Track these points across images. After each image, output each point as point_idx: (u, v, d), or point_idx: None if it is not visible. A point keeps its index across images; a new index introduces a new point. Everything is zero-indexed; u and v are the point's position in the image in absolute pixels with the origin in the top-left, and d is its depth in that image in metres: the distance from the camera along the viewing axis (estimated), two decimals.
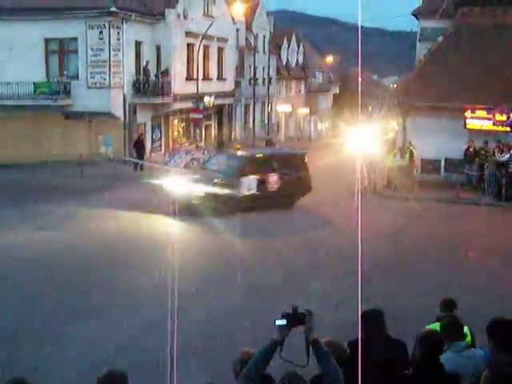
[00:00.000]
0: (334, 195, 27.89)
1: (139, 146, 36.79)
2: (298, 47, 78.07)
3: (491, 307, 12.42)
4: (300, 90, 79.24)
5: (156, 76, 39.51)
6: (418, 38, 42.52)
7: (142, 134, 37.93)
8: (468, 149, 30.40)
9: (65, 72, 37.06)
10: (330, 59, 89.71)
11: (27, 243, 18.81)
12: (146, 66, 39.08)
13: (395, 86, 73.10)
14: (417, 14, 41.69)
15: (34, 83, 35.55)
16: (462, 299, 7.61)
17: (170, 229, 21.22)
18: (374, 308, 6.95)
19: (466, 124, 30.35)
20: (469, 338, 6.92)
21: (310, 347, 5.00)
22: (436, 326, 6.93)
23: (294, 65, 76.30)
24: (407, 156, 29.61)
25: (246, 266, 15.19)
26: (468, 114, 30.16)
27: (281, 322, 4.98)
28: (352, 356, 6.14)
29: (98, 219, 22.82)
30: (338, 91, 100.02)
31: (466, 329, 6.92)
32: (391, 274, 16.51)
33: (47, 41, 37.27)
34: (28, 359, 10.79)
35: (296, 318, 5.01)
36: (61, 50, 37.81)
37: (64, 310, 13.29)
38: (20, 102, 35.38)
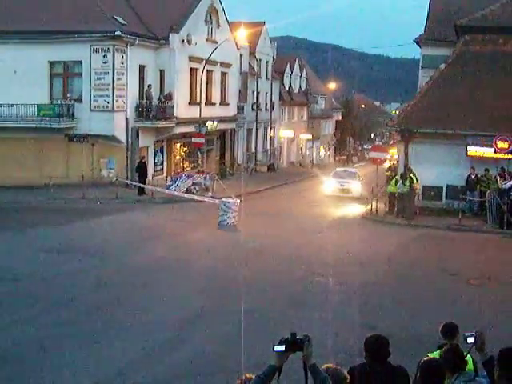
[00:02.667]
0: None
1: (141, 169, 36.79)
2: (301, 73, 78.42)
3: (493, 336, 12.36)
4: (302, 116, 79.48)
5: (159, 100, 39.65)
6: (420, 64, 42.67)
7: (143, 157, 37.98)
8: (469, 176, 30.42)
9: (68, 95, 37.17)
10: (332, 85, 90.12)
11: (27, 265, 18.78)
12: (149, 89, 39.22)
13: (397, 112, 73.34)
14: (419, 42, 41.88)
15: (37, 105, 35.64)
16: (462, 327, 7.53)
17: None
18: (378, 334, 6.89)
19: (467, 151, 30.38)
20: (470, 366, 6.85)
21: (309, 373, 4.97)
22: (437, 354, 6.87)
23: (296, 90, 76.58)
24: (407, 183, 29.61)
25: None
26: (470, 141, 30.21)
27: (279, 347, 4.95)
28: (353, 382, 6.10)
29: (99, 242, 22.80)
30: (340, 117, 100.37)
31: (468, 357, 6.85)
32: (390, 299, 16.42)
33: (52, 64, 37.46)
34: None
35: (294, 344, 4.98)
36: (65, 73, 37.98)
37: (74, 329, 13.29)
38: (23, 124, 35.43)
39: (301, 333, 5.11)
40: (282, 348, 4.94)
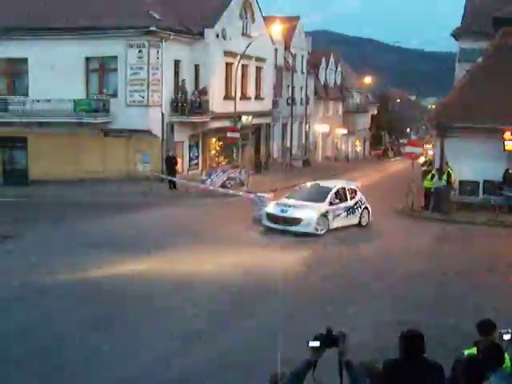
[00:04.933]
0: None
1: (169, 163, 36.90)
2: (336, 67, 78.04)
3: None
4: (338, 111, 79.08)
5: (194, 95, 39.74)
6: (457, 58, 42.24)
7: (168, 151, 37.94)
8: (507, 171, 30.01)
9: (104, 90, 37.48)
10: (367, 80, 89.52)
11: (63, 258, 18.96)
12: (183, 84, 39.33)
13: (433, 106, 72.70)
14: (456, 35, 41.45)
15: (73, 101, 35.93)
16: (498, 324, 7.44)
17: None
18: (413, 329, 6.82)
19: (504, 146, 29.96)
20: (507, 364, 6.76)
21: (344, 369, 4.94)
22: (474, 350, 6.79)
23: (331, 85, 76.25)
24: (445, 177, 29.30)
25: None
26: (507, 135, 29.76)
27: (314, 343, 4.93)
28: (386, 377, 6.05)
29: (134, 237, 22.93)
30: (375, 112, 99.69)
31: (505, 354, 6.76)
32: (427, 295, 16.29)
33: (88, 59, 37.73)
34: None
35: (330, 340, 4.95)
36: (101, 69, 38.26)
37: (110, 321, 13.41)
38: (60, 119, 35.76)
39: (336, 328, 5.08)
40: (316, 344, 4.92)
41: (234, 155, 42.90)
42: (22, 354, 11.61)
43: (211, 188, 34.46)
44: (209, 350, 11.94)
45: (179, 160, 38.74)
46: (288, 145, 60.12)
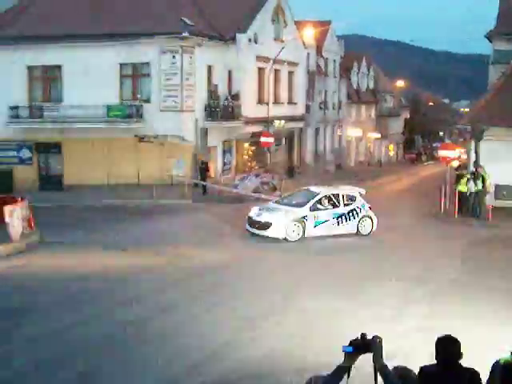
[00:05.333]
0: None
1: (202, 168, 37.07)
2: (369, 71, 77.76)
3: None
4: (370, 115, 78.78)
5: (226, 100, 39.86)
6: (490, 60, 41.80)
7: (199, 157, 38.11)
8: None
9: (138, 96, 37.77)
10: (400, 83, 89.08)
11: (95, 264, 19.09)
12: (215, 89, 39.46)
13: (467, 110, 72.08)
14: (490, 37, 41.02)
15: (107, 106, 36.25)
16: None
17: None
18: (448, 335, 6.74)
19: None
20: None
21: (379, 374, 4.91)
22: (510, 357, 6.69)
23: (364, 89, 75.99)
24: (480, 181, 28.97)
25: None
26: None
27: (349, 348, 4.91)
28: (421, 383, 5.99)
29: (166, 242, 23.01)
30: (408, 115, 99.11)
31: None
32: (464, 300, 16.11)
33: (121, 65, 38.03)
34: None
35: (364, 345, 4.92)
36: (134, 75, 38.54)
37: (142, 326, 13.46)
38: (94, 124, 36.09)
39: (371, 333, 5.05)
40: (351, 349, 4.90)
41: (267, 160, 42.92)
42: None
43: (244, 193, 34.51)
44: None
45: (212, 165, 38.91)
46: (321, 149, 60.04)
